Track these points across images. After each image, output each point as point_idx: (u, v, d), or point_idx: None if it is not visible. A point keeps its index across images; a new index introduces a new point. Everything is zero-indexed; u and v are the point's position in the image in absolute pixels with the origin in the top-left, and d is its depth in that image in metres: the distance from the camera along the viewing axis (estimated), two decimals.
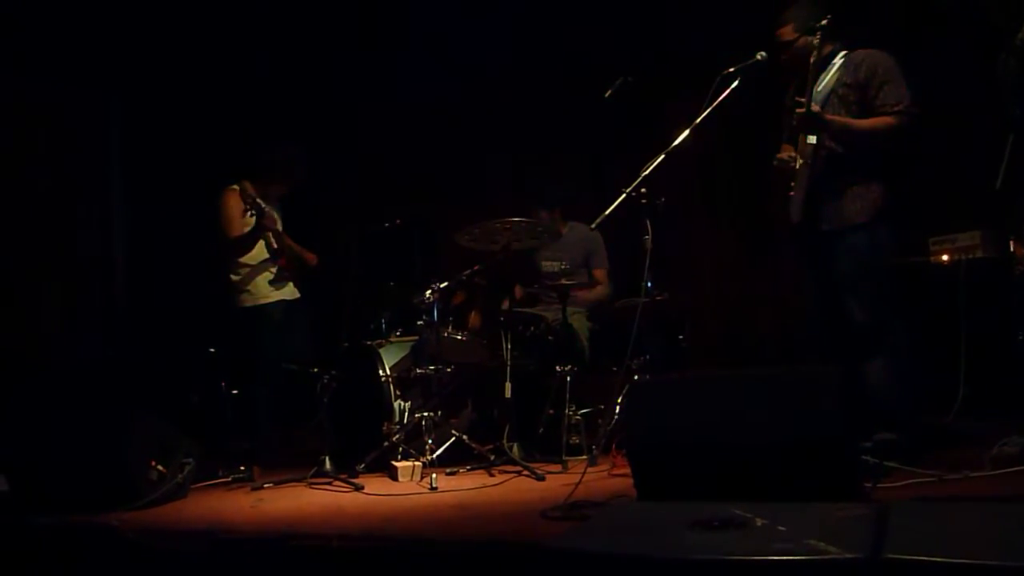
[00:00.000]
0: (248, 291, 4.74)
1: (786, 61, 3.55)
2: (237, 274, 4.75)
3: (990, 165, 3.11)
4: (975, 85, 4.05)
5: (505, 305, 4.83)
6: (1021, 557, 1.56)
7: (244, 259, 4.72)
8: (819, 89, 3.45)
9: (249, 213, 4.56)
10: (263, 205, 4.55)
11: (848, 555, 1.63)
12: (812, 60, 3.43)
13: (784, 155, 3.52)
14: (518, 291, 5.19)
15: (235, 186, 4.66)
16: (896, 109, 3.29)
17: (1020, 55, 3.00)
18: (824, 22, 3.40)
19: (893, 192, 3.38)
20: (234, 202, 4.65)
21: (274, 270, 4.77)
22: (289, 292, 4.85)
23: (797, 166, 3.46)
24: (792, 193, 3.49)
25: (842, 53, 3.48)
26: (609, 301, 5.04)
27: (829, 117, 3.36)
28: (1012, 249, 3.98)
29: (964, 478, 2.81)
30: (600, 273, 5.10)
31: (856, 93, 3.38)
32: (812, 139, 3.42)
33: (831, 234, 3.38)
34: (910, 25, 3.32)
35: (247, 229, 4.64)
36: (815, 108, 3.34)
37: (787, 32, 3.53)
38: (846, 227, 3.35)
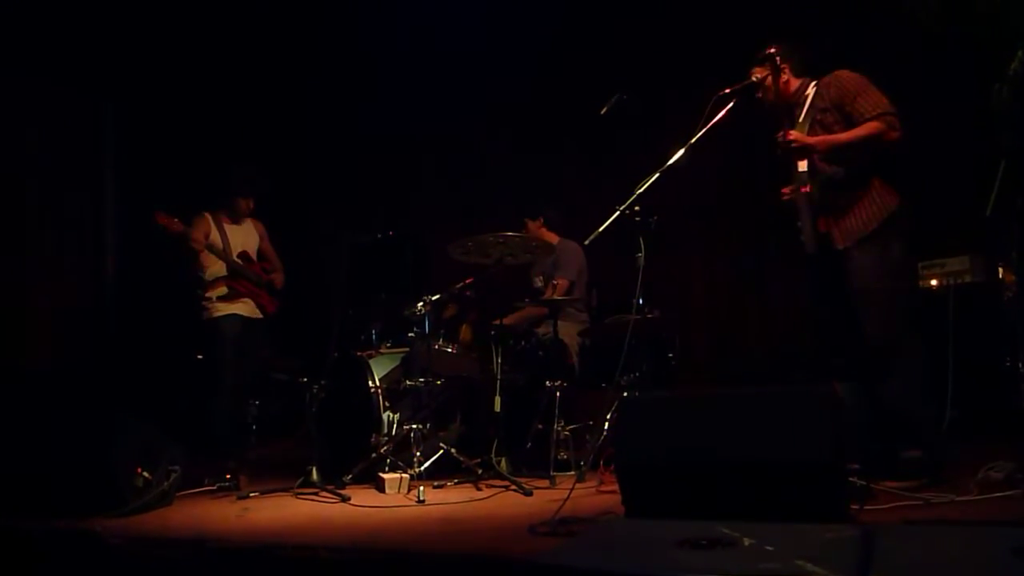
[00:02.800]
0: (203, 305, 4.87)
1: (761, 100, 3.60)
2: (200, 288, 4.91)
3: (980, 191, 3.13)
4: (967, 112, 4.10)
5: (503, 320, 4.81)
6: None
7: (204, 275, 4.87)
8: (800, 121, 3.48)
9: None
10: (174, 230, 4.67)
11: None
12: (770, 97, 3.52)
13: (787, 193, 3.53)
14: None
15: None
16: (875, 114, 3.29)
17: (1014, 84, 3.03)
18: (771, 51, 3.49)
19: (900, 202, 3.35)
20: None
21: (225, 288, 4.86)
22: (246, 309, 4.91)
23: (798, 198, 3.45)
24: (800, 224, 3.49)
25: (812, 84, 3.53)
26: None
27: (810, 139, 3.37)
28: (1001, 275, 4.02)
29: (950, 502, 2.82)
30: (561, 283, 5.01)
31: (833, 114, 3.40)
32: (803, 166, 3.43)
33: (844, 252, 3.35)
34: (903, 52, 3.31)
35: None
36: (792, 134, 3.36)
37: (758, 72, 3.57)
38: (858, 240, 3.32)
